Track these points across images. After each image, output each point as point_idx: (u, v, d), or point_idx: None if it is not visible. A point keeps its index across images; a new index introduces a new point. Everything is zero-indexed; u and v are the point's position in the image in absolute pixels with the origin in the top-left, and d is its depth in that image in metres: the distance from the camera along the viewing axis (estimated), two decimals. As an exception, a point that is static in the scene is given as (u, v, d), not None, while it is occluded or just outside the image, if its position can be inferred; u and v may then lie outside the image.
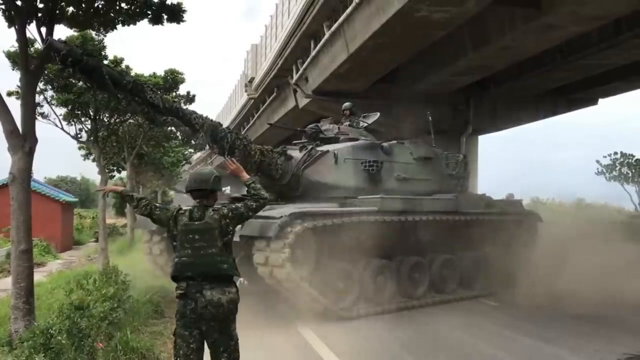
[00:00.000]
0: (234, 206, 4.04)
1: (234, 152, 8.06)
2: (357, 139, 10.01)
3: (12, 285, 5.98)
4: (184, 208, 4.08)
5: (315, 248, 7.82)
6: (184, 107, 8.12)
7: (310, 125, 10.49)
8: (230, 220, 3.98)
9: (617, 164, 33.64)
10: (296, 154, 9.23)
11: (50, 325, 4.52)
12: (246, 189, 4.14)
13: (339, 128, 10.53)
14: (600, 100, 21.86)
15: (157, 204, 4.33)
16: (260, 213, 7.41)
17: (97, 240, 20.73)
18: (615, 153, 33.52)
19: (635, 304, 8.16)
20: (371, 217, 8.31)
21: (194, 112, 7.75)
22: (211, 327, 3.84)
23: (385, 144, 9.88)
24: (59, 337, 4.07)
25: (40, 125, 14.56)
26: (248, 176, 4.19)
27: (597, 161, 34.66)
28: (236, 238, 7.38)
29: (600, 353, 6.15)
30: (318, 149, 9.31)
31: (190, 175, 4.24)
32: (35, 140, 6.16)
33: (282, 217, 7.24)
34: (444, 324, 7.80)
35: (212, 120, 8.04)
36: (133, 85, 6.67)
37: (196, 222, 3.93)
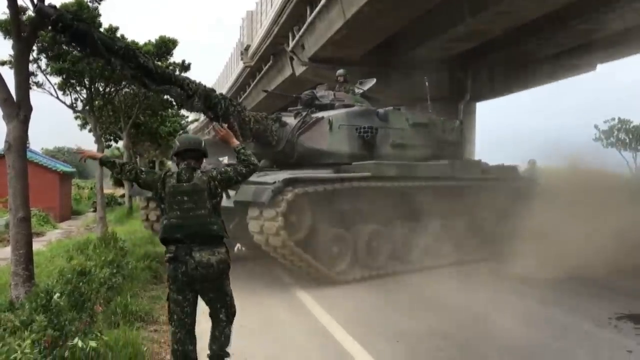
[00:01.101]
0: (223, 169, 4.02)
1: (228, 118, 8.00)
2: (352, 106, 9.96)
3: (11, 252, 6.00)
4: (172, 170, 4.07)
5: (310, 213, 7.83)
6: (177, 74, 8.04)
7: (306, 92, 10.40)
8: (219, 183, 3.95)
9: (614, 130, 33.54)
10: (291, 120, 9.18)
11: (51, 288, 4.58)
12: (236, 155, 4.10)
13: (334, 94, 10.45)
14: (599, 66, 21.73)
15: (142, 168, 4.28)
16: (254, 179, 7.51)
17: (95, 210, 20.80)
18: (613, 119, 33.37)
19: (630, 268, 8.27)
20: (365, 183, 8.32)
21: (187, 78, 7.67)
22: (205, 287, 3.88)
23: (380, 110, 9.83)
24: (59, 299, 4.13)
25: (36, 96, 14.50)
26: (237, 142, 4.14)
27: (596, 126, 34.49)
28: (230, 204, 7.49)
29: (592, 312, 6.24)
30: (313, 115, 9.25)
31: (181, 138, 4.18)
32: (30, 108, 6.11)
33: (275, 182, 7.23)
34: (437, 286, 7.89)
35: (205, 86, 7.97)
36: (125, 51, 6.57)
37: (184, 184, 3.90)
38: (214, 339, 4.03)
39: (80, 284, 5.16)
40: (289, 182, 7.39)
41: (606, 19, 14.77)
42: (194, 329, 3.99)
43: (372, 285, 7.97)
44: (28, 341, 3.08)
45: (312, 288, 7.62)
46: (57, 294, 4.27)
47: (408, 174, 9.04)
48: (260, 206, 7.20)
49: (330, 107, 9.84)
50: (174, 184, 3.92)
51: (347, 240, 8.31)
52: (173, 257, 3.85)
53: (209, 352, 4.08)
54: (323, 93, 10.37)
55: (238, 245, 10.77)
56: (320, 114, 9.30)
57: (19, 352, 2.96)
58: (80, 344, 3.43)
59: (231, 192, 7.47)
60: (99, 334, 3.95)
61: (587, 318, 6.02)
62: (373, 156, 9.17)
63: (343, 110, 9.53)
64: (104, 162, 4.38)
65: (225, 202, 7.51)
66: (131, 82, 6.75)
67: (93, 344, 3.50)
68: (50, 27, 5.98)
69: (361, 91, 11.23)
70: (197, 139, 4.15)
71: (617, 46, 18.43)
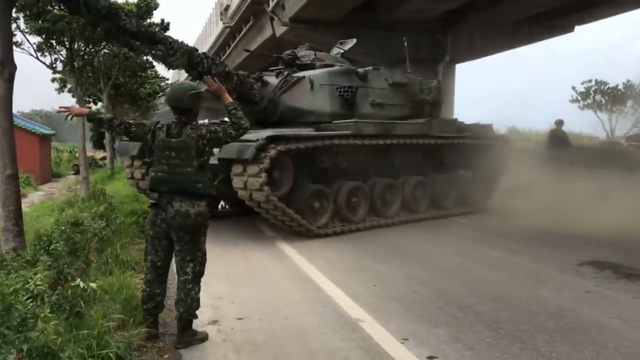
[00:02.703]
0: (213, 129, 4.05)
1: (212, 76, 8.11)
2: (333, 66, 10.13)
3: (1, 209, 6.14)
4: (162, 123, 4.10)
5: (292, 170, 8.09)
6: (159, 33, 8.09)
7: (287, 52, 10.54)
8: (207, 141, 3.98)
9: (591, 92, 34.01)
10: (272, 79, 9.31)
11: (50, 233, 4.81)
12: (227, 114, 4.10)
13: (315, 54, 10.59)
14: (577, 28, 21.97)
15: (131, 121, 4.29)
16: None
17: (76, 173, 20.85)
18: (590, 81, 33.81)
19: (596, 225, 8.70)
20: (344, 141, 8.58)
21: (169, 37, 7.75)
22: (180, 237, 3.96)
23: (360, 70, 9.99)
24: (57, 245, 4.37)
25: (14, 57, 14.35)
26: (230, 99, 4.10)
27: (573, 87, 34.95)
28: (214, 161, 7.67)
29: (556, 259, 6.65)
30: (294, 75, 9.41)
31: (169, 89, 4.26)
32: (15, 67, 6.15)
33: (258, 140, 7.42)
34: (414, 238, 8.27)
35: (187, 45, 8.05)
36: (108, 11, 6.58)
37: (173, 139, 3.96)
38: (179, 301, 4.01)
39: (74, 234, 5.39)
40: (272, 140, 7.59)
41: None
42: (165, 274, 4.15)
43: (352, 238, 8.32)
44: (39, 275, 3.33)
45: (294, 241, 7.94)
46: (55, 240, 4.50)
47: (386, 132, 9.30)
48: (244, 163, 7.41)
49: (311, 67, 9.98)
50: (163, 138, 3.98)
51: (327, 195, 8.61)
52: (155, 204, 4.01)
53: (176, 313, 4.07)
54: (304, 53, 10.49)
55: (222, 202, 11.02)
56: (301, 74, 9.46)
57: (31, 283, 3.21)
58: (81, 284, 3.68)
59: (215, 150, 7.66)
60: (95, 279, 4.20)
61: (552, 265, 6.43)
62: (353, 115, 9.37)
63: (324, 70, 9.69)
64: (91, 119, 4.41)
65: (211, 160, 7.76)
66: (115, 42, 6.80)
67: (94, 285, 3.76)
68: None
69: (342, 51, 11.37)
70: (178, 94, 4.03)
71: (594, 8, 18.66)
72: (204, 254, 4.11)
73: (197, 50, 8.18)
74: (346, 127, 8.79)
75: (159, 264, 4.10)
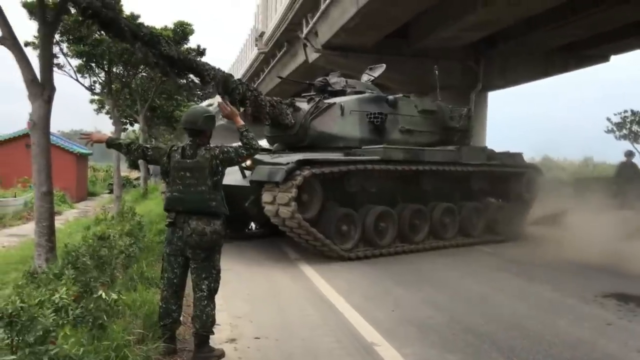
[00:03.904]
0: (225, 149, 4.19)
1: (245, 103, 8.49)
2: (363, 92, 10.33)
3: (35, 224, 6.34)
4: (178, 145, 4.29)
5: (321, 194, 8.26)
6: (198, 59, 8.42)
7: (319, 79, 10.81)
8: (220, 162, 4.11)
9: (627, 122, 33.43)
10: (304, 105, 9.59)
11: (77, 248, 4.99)
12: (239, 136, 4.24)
13: (346, 81, 10.82)
14: (613, 57, 21.72)
15: (147, 145, 4.51)
16: (269, 160, 7.96)
17: (111, 192, 21.38)
18: (626, 111, 33.28)
19: (624, 256, 8.54)
20: (373, 166, 8.68)
21: (207, 64, 8.08)
22: (196, 254, 4.09)
23: (390, 97, 10.17)
24: (84, 259, 4.54)
25: (55, 78, 14.95)
26: (242, 122, 4.27)
27: (608, 119, 34.43)
28: (247, 183, 7.96)
29: (579, 290, 6.55)
30: (325, 101, 9.64)
31: (185, 113, 4.41)
32: (54, 89, 6.45)
33: (289, 163, 7.67)
34: (438, 265, 8.26)
35: (224, 72, 8.39)
36: (149, 37, 6.97)
37: (188, 160, 4.11)
38: (195, 317, 4.13)
39: (100, 248, 5.58)
40: (302, 163, 7.82)
41: (619, 9, 14.82)
42: (181, 291, 4.28)
43: (374, 262, 8.36)
44: (64, 288, 3.49)
45: (316, 263, 8.03)
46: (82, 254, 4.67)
47: (415, 158, 9.40)
48: (275, 185, 7.64)
49: (342, 93, 10.24)
50: (178, 159, 4.15)
51: (355, 219, 8.69)
52: (172, 222, 4.17)
53: (193, 329, 4.19)
54: (335, 80, 10.76)
55: (252, 224, 11.27)
56: (332, 100, 9.69)
57: (57, 296, 3.37)
58: (103, 295, 3.83)
59: (247, 173, 7.96)
60: (119, 293, 4.35)
61: (574, 295, 6.33)
62: (382, 141, 9.54)
63: (354, 97, 9.94)
64: (110, 145, 4.57)
65: (241, 182, 8.03)
66: (154, 69, 7.17)
67: (114, 296, 3.90)
68: (80, 14, 6.32)
69: (372, 78, 11.55)
70: (194, 116, 4.22)
71: (630, 37, 18.45)
72: (219, 271, 4.23)
73: (232, 76, 8.51)
74: (375, 152, 8.94)
75: (175, 281, 4.23)
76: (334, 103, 9.56)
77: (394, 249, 9.08)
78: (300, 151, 9.14)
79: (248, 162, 7.97)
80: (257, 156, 8.20)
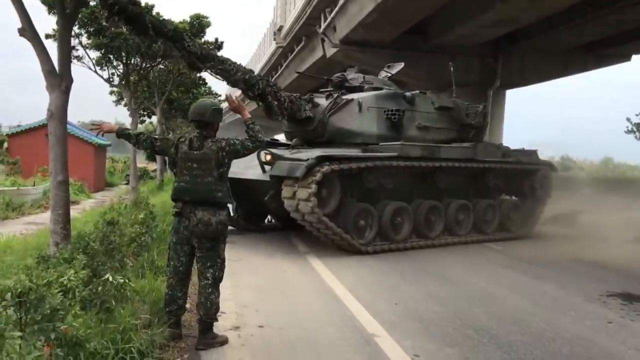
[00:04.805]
0: (232, 141, 4.25)
1: (265, 98, 8.66)
2: (381, 89, 10.39)
3: (50, 212, 6.46)
4: (185, 136, 4.40)
5: (339, 189, 8.40)
6: (219, 55, 8.59)
7: (337, 74, 10.88)
8: (226, 154, 4.21)
9: (647, 123, 32.83)
10: (322, 101, 9.74)
11: (88, 234, 5.14)
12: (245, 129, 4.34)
13: (364, 77, 10.88)
14: (635, 57, 21.43)
15: (156, 136, 4.64)
16: (289, 155, 8.09)
17: (128, 183, 21.65)
18: (646, 111, 32.61)
19: (634, 254, 8.52)
20: (391, 162, 8.81)
21: (229, 59, 8.28)
22: (202, 244, 4.21)
23: (407, 94, 10.22)
24: (94, 244, 4.69)
25: (75, 70, 15.21)
26: (249, 115, 4.36)
27: (628, 119, 33.85)
28: (266, 177, 8.10)
29: (585, 288, 6.56)
30: (343, 97, 9.74)
31: (193, 105, 4.50)
32: (71, 80, 6.57)
33: (309, 159, 7.81)
34: (445, 261, 8.29)
35: (244, 67, 8.59)
36: (173, 33, 7.18)
37: (195, 152, 4.22)
38: (200, 304, 4.24)
39: (110, 233, 5.73)
40: (322, 159, 7.95)
41: (638, 9, 14.64)
42: (186, 279, 4.40)
43: (383, 257, 8.41)
44: (72, 271, 3.61)
45: (325, 257, 8.12)
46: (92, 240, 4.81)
47: (432, 155, 9.48)
48: (295, 180, 7.79)
49: (359, 89, 10.31)
50: (185, 151, 4.27)
51: (373, 214, 8.81)
52: (179, 212, 4.28)
53: (197, 316, 4.33)
54: (353, 75, 10.81)
55: (269, 217, 11.41)
56: (350, 96, 9.78)
57: (65, 277, 3.50)
58: (110, 278, 3.96)
59: (267, 168, 8.11)
60: (126, 279, 4.48)
61: (579, 293, 6.35)
62: (399, 137, 9.62)
63: (372, 93, 10.00)
64: (120, 135, 4.71)
65: (261, 176, 8.17)
66: (180, 61, 7.43)
67: (120, 280, 4.02)
68: (106, 10, 6.47)
69: (389, 75, 11.59)
70: (202, 108, 4.33)
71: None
72: (224, 260, 4.34)
73: (253, 72, 8.79)
74: (392, 149, 9.03)
75: (181, 269, 4.35)
76: (352, 99, 9.66)
77: (410, 244, 9.21)
78: (318, 146, 9.29)
79: (268, 157, 8.14)
80: (277, 151, 8.38)
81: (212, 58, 7.96)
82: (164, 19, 7.38)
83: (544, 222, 11.29)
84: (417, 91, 10.64)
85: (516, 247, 9.83)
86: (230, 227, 10.36)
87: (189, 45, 7.41)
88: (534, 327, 4.95)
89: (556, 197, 11.66)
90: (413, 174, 9.41)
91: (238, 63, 8.39)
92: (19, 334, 2.74)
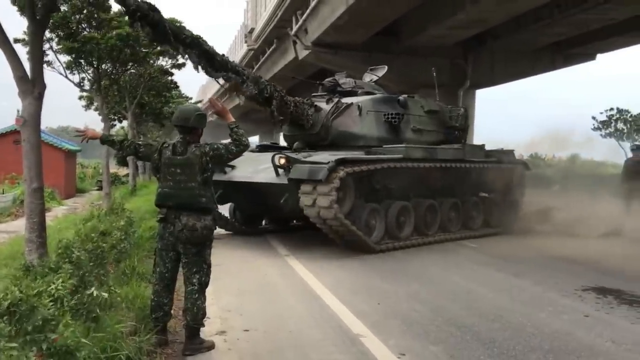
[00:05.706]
0: (215, 146, 4.26)
1: (271, 102, 8.80)
2: (373, 93, 10.64)
3: (26, 220, 6.37)
4: (169, 142, 4.40)
5: (353, 191, 8.61)
6: (232, 61, 8.64)
7: (328, 79, 11.07)
8: (210, 159, 4.20)
9: (612, 120, 33.85)
10: (324, 105, 9.92)
11: (72, 244, 5.09)
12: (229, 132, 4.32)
13: (354, 82, 11.08)
14: (599, 56, 22.01)
15: (140, 142, 4.64)
16: (305, 159, 8.12)
17: (99, 189, 21.37)
18: (611, 109, 33.67)
19: (606, 249, 8.76)
20: (398, 164, 9.07)
21: (239, 66, 8.48)
22: (187, 249, 4.21)
23: (400, 98, 10.54)
24: (79, 254, 4.64)
25: (45, 76, 14.99)
26: (233, 119, 4.33)
27: (593, 117, 34.86)
28: (281, 181, 8.14)
29: (560, 284, 6.74)
30: (342, 101, 9.93)
31: (176, 111, 4.49)
32: (44, 86, 6.48)
33: (329, 162, 7.95)
34: (423, 260, 8.41)
35: (253, 73, 8.86)
36: (191, 40, 7.23)
37: (178, 157, 4.21)
38: (186, 310, 4.24)
39: (101, 243, 5.70)
40: (341, 162, 8.13)
41: (604, 8, 15.04)
42: (172, 285, 4.40)
43: (362, 259, 8.41)
44: (60, 280, 3.59)
45: (304, 258, 8.20)
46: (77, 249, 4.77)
47: (431, 156, 9.83)
48: (315, 183, 7.87)
49: (352, 93, 10.51)
50: (169, 156, 4.25)
51: (380, 214, 9.06)
52: (164, 218, 4.28)
53: (184, 322, 4.33)
54: (344, 80, 11.05)
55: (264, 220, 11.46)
56: (347, 100, 9.99)
57: (53, 287, 3.48)
58: (95, 293, 3.93)
59: (281, 171, 8.26)
60: (112, 288, 4.45)
61: (555, 289, 6.52)
62: (398, 140, 9.96)
63: (369, 97, 10.30)
64: (104, 141, 4.71)
65: (275, 180, 8.19)
66: (196, 67, 7.48)
67: (105, 294, 4.00)
68: (128, 16, 6.46)
69: (376, 78, 11.73)
70: (185, 114, 4.31)
71: (615, 37, 18.70)
72: (209, 265, 4.35)
73: (261, 77, 8.97)
74: (397, 151, 9.32)
75: (167, 275, 4.35)
76: (352, 103, 9.90)
77: (411, 242, 9.48)
78: (321, 150, 9.51)
79: (282, 161, 8.23)
80: (291, 154, 8.50)
81: (225, 64, 8.07)
82: (181, 26, 7.42)
83: (523, 219, 11.57)
84: (406, 95, 10.94)
85: (491, 244, 10.05)
86: (228, 232, 10.43)
87: (210, 49, 7.57)
88: (514, 323, 5.08)
89: (529, 194, 11.99)
90: (413, 175, 9.69)
91: (247, 69, 8.56)
92: (15, 345, 2.72)
